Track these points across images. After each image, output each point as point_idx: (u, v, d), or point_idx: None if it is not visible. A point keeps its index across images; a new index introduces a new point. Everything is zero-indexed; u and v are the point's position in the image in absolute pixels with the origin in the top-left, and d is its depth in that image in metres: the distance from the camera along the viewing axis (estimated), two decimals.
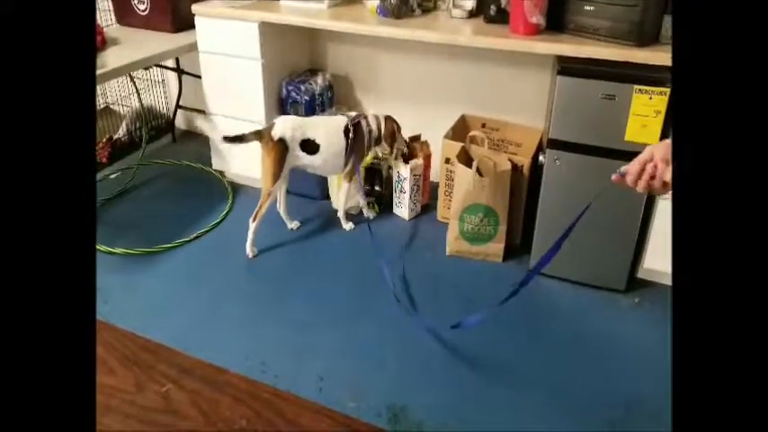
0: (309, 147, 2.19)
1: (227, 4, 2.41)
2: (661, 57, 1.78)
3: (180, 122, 3.33)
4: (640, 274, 2.15)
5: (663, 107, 1.80)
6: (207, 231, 2.44)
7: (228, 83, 2.49)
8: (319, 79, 2.53)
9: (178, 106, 3.17)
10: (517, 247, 2.31)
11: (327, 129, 2.22)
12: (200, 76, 2.59)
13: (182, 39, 2.58)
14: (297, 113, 2.49)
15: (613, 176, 0.97)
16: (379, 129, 2.30)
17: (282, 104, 2.53)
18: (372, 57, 2.65)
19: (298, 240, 2.41)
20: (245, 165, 2.66)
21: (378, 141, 2.33)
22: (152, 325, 1.83)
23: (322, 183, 2.57)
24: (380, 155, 2.47)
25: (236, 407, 0.79)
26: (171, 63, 3.00)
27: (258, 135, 2.17)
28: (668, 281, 2.13)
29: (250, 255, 2.28)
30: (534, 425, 1.63)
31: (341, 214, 2.43)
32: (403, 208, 2.50)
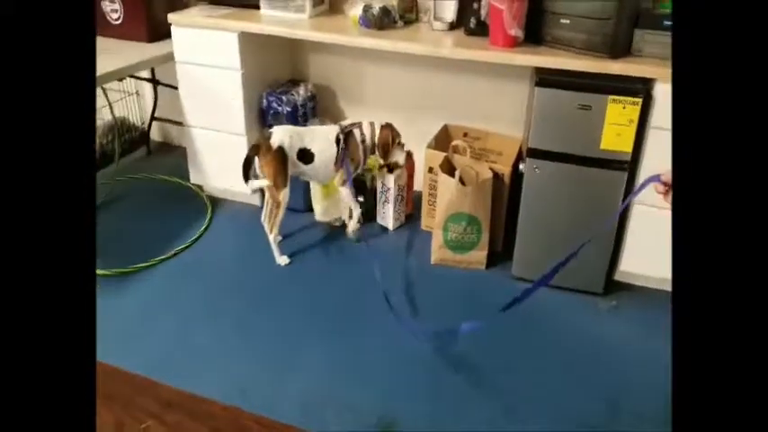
0: (306, 156, 2.20)
1: (205, 14, 2.40)
2: (633, 68, 1.86)
3: (155, 134, 3.27)
4: (617, 277, 2.21)
5: (636, 116, 1.87)
6: (185, 248, 2.39)
7: (207, 94, 2.46)
8: (301, 90, 2.53)
9: (153, 118, 3.11)
10: (499, 254, 2.35)
11: (321, 138, 2.23)
12: (176, 87, 2.55)
13: (157, 49, 2.54)
14: (279, 125, 2.48)
15: (660, 188, 0.95)
16: (372, 138, 2.29)
17: (263, 116, 2.51)
18: (355, 67, 2.67)
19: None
20: (224, 178, 2.63)
21: (372, 151, 2.32)
22: (129, 350, 1.78)
23: (306, 195, 2.56)
24: (367, 165, 2.44)
25: None
26: (146, 73, 2.95)
27: (255, 149, 2.16)
28: (644, 282, 2.20)
29: (282, 263, 2.29)
30: (522, 426, 1.66)
31: (345, 217, 2.44)
32: (387, 218, 2.51)
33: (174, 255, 2.35)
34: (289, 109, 2.45)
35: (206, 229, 2.53)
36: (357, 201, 2.37)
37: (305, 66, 2.75)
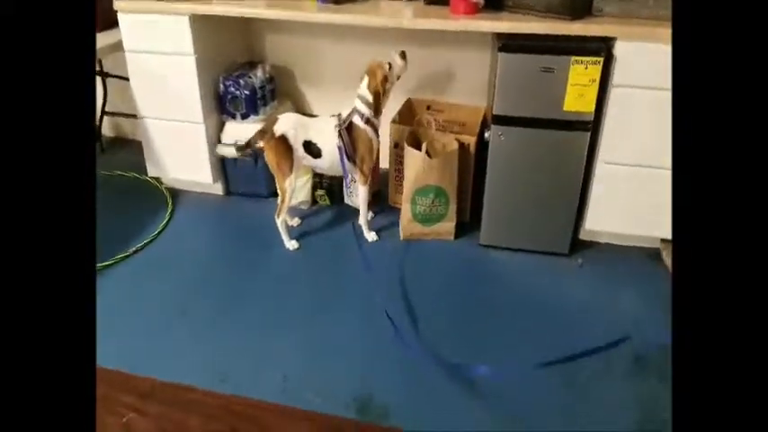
0: (312, 149, 2.13)
1: None
2: (594, 28, 1.88)
3: (107, 129, 3.13)
4: (582, 236, 2.25)
5: (597, 75, 1.90)
6: (148, 243, 2.30)
7: (160, 82, 2.36)
8: (259, 72, 2.46)
9: (104, 112, 2.97)
10: (467, 223, 2.35)
11: (326, 131, 2.13)
12: (127, 78, 2.44)
13: (103, 38, 2.43)
14: (237, 109, 2.41)
15: None
16: (370, 106, 2.10)
17: (221, 101, 2.43)
18: (313, 45, 2.61)
19: (245, 242, 2.33)
20: (183, 169, 2.54)
21: (376, 112, 2.12)
22: (100, 349, 1.68)
23: (269, 180, 2.50)
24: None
25: (208, 425, 0.73)
26: None
27: (261, 133, 2.10)
28: (609, 239, 2.24)
29: (291, 248, 2.26)
30: (494, 391, 1.65)
31: (362, 222, 2.31)
32: (354, 196, 2.47)
33: (137, 251, 2.25)
34: (247, 92, 2.38)
35: (167, 222, 2.44)
36: (366, 203, 2.27)
37: (261, 47, 2.68)
